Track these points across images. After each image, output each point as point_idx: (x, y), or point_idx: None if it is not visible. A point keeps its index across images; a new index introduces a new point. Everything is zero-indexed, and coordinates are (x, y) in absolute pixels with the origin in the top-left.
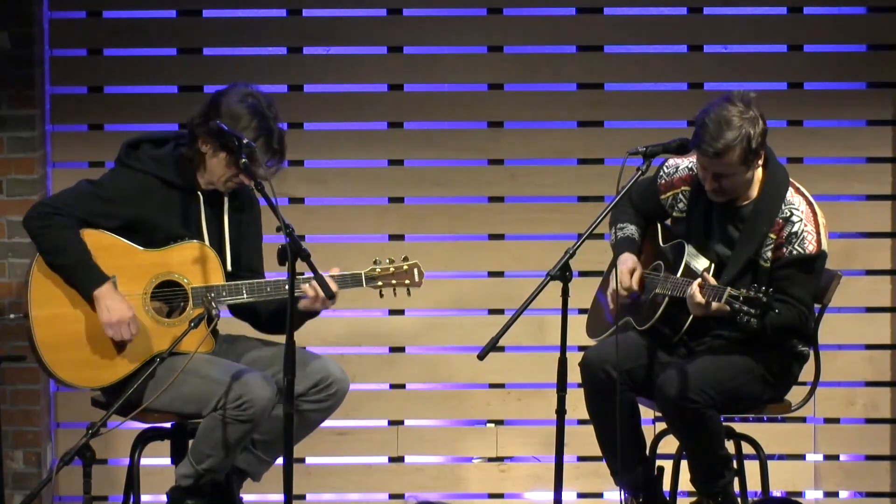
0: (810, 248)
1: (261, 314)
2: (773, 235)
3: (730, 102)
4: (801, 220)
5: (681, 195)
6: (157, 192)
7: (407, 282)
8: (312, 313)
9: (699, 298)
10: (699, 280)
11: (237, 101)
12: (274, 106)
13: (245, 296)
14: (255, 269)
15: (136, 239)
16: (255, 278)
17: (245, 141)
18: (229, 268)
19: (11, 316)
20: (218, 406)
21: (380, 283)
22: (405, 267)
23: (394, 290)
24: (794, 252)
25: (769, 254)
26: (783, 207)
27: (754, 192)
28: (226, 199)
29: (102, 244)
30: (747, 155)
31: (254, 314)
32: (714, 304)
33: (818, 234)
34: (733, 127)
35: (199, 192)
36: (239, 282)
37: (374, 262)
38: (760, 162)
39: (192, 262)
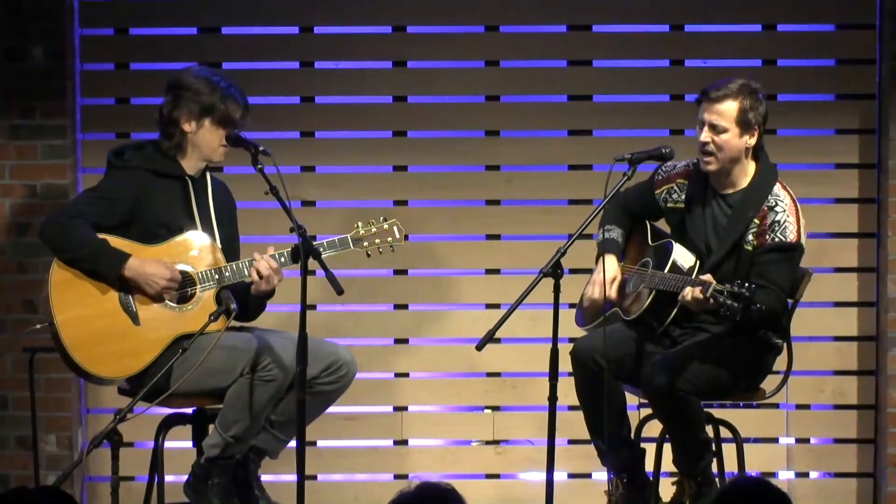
0: (791, 236)
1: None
2: (757, 221)
3: (741, 77)
4: (785, 210)
5: (675, 187)
6: (150, 182)
7: (389, 239)
8: (267, 294)
9: (699, 295)
10: (699, 287)
11: (195, 74)
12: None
13: (247, 273)
14: (235, 253)
15: (137, 234)
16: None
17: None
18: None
19: (38, 326)
20: (243, 372)
21: (365, 244)
22: (385, 226)
23: (378, 248)
24: (777, 239)
25: (751, 237)
26: (769, 197)
27: (745, 182)
28: (209, 185)
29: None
30: (743, 115)
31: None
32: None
33: (798, 226)
34: (736, 84)
35: (186, 179)
36: (240, 261)
37: (357, 226)
38: (752, 141)
39: (194, 249)
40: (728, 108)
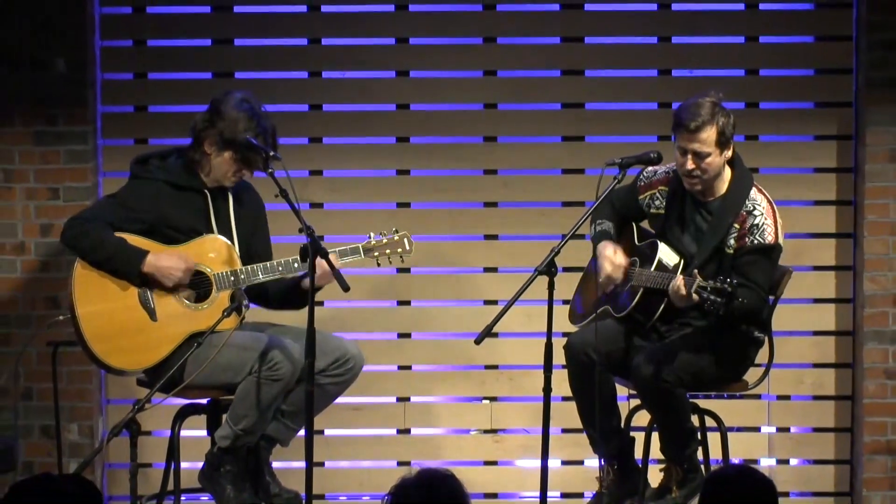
0: (769, 238)
1: (270, 295)
2: (737, 225)
3: (704, 95)
4: (762, 214)
5: (657, 194)
6: (169, 195)
7: (399, 250)
8: (316, 290)
9: (683, 291)
10: (682, 277)
11: (235, 107)
12: (262, 108)
13: (261, 276)
14: (264, 255)
15: (158, 239)
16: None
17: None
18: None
19: (60, 317)
20: (252, 370)
21: (376, 254)
22: (396, 238)
23: (389, 258)
24: (756, 241)
25: (732, 241)
26: (747, 202)
27: (723, 188)
28: (230, 197)
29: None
30: (721, 136)
31: (264, 295)
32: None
33: (776, 227)
34: (707, 108)
35: (205, 192)
36: (255, 264)
37: (370, 236)
38: (729, 153)
39: (211, 252)
40: (708, 136)
